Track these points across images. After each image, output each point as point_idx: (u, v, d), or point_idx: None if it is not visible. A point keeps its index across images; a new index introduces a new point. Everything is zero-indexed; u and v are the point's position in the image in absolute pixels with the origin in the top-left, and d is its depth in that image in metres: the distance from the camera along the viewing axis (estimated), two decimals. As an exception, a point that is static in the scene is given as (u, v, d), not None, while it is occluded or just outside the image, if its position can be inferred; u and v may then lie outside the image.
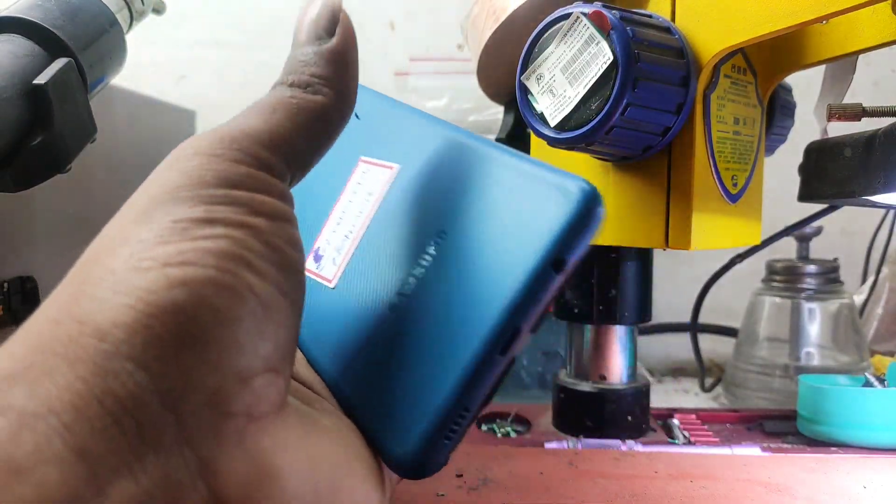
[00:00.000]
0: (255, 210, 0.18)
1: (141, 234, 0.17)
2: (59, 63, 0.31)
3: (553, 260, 0.17)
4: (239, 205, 0.18)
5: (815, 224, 0.56)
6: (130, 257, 0.16)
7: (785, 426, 0.50)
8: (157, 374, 0.15)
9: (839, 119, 0.34)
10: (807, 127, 0.44)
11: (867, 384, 0.48)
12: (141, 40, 0.40)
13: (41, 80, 0.30)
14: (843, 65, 0.39)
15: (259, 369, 0.16)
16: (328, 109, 0.20)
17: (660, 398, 0.63)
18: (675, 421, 0.50)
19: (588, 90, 0.31)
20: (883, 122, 0.35)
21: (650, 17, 0.33)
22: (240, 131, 0.19)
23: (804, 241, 0.61)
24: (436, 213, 0.20)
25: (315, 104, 0.20)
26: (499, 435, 0.49)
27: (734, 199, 0.36)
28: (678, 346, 0.71)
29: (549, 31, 0.33)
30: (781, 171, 0.46)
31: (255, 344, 0.17)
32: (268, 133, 0.19)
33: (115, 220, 0.18)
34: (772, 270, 0.63)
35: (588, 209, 0.17)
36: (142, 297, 0.15)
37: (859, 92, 0.39)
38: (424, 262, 0.19)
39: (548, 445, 0.45)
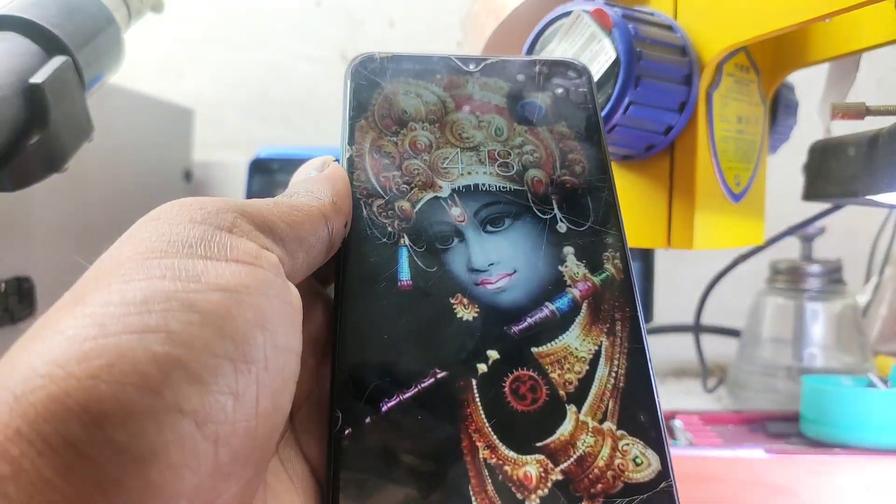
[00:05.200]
0: (206, 284, 0.15)
1: (60, 326, 0.14)
2: (56, 61, 0.31)
3: None
4: (184, 279, 0.15)
5: (819, 224, 0.55)
6: (38, 356, 0.14)
7: (788, 427, 0.50)
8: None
9: (843, 118, 0.34)
10: (810, 126, 0.44)
11: (870, 385, 0.48)
12: (138, 38, 0.40)
13: (38, 78, 0.30)
14: (846, 63, 0.39)
15: None
16: (309, 208, 0.20)
17: (662, 399, 0.62)
18: (678, 422, 0.50)
19: (590, 88, 0.31)
20: (887, 122, 0.34)
21: (652, 14, 0.33)
22: (206, 198, 0.18)
23: (807, 240, 0.61)
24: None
25: (295, 200, 0.20)
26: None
27: (737, 198, 0.36)
28: (680, 347, 0.71)
29: (551, 29, 0.33)
30: (784, 169, 0.46)
31: (181, 478, 0.14)
32: (239, 202, 0.18)
33: (78, 283, 0.16)
34: (775, 270, 0.62)
35: None
36: (28, 416, 0.13)
37: (862, 91, 0.38)
38: None
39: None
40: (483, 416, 0.19)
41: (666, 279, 0.66)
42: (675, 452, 0.44)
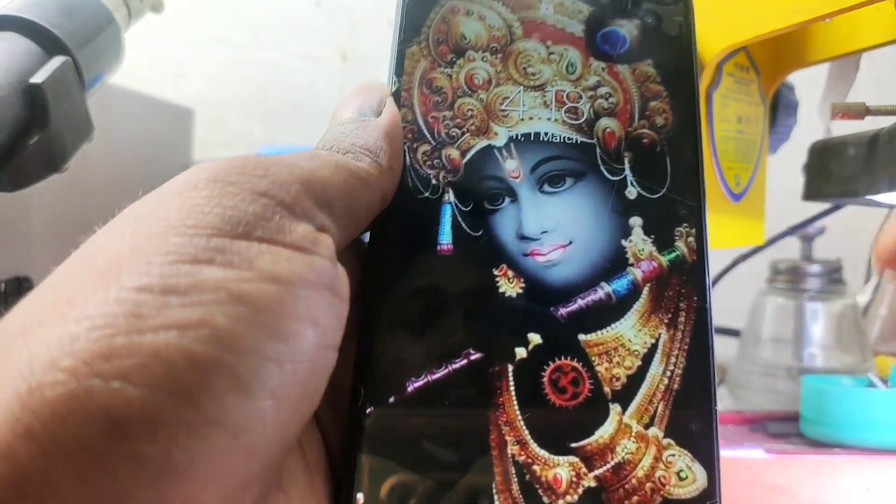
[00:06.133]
0: (260, 274, 0.14)
1: (88, 308, 0.13)
2: (57, 61, 0.31)
3: None
4: (235, 266, 0.14)
5: (819, 223, 0.55)
6: (60, 345, 0.12)
7: (788, 427, 0.49)
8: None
9: (843, 118, 0.34)
10: (810, 126, 0.44)
11: (870, 385, 0.48)
12: (139, 38, 0.40)
13: (38, 79, 0.30)
14: (846, 63, 0.39)
15: None
16: (369, 177, 0.18)
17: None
18: (677, 422, 0.50)
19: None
20: (887, 122, 0.34)
21: (652, 14, 0.33)
22: (269, 159, 0.16)
23: (807, 240, 0.61)
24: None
25: (356, 167, 0.18)
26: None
27: (737, 198, 0.36)
28: (680, 347, 0.70)
29: (551, 29, 0.32)
30: (784, 169, 0.46)
31: (206, 494, 0.12)
32: (303, 170, 0.16)
33: (112, 240, 0.15)
34: (775, 270, 0.62)
35: None
36: (42, 413, 0.11)
37: (862, 91, 0.38)
38: None
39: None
40: (516, 407, 0.17)
41: (666, 279, 0.66)
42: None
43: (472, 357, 0.18)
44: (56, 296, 0.13)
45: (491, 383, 0.17)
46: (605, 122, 0.19)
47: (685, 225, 0.19)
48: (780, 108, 0.41)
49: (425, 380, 0.17)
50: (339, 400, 0.17)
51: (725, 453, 0.44)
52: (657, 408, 0.17)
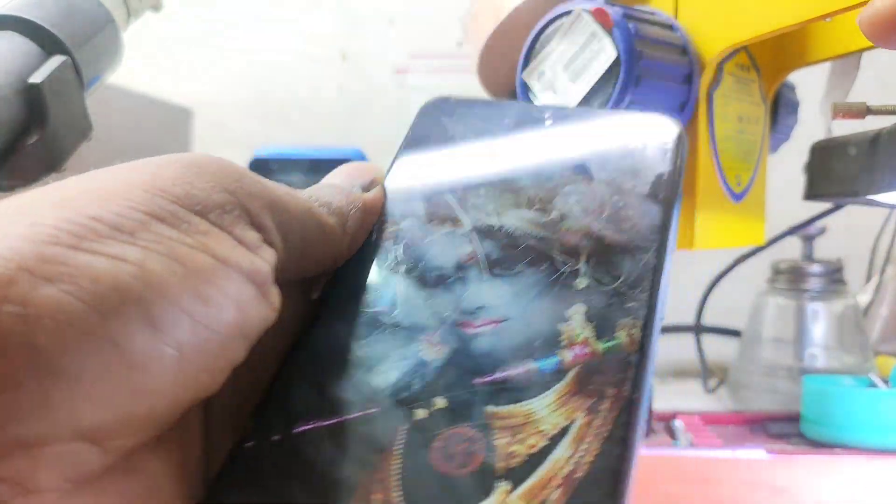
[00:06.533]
0: (202, 246, 0.15)
1: (39, 219, 0.14)
2: (56, 61, 0.31)
3: None
4: (183, 231, 0.15)
5: (820, 223, 0.55)
6: (4, 237, 0.13)
7: (789, 428, 0.49)
8: None
9: (844, 117, 0.34)
10: (811, 125, 0.43)
11: (871, 385, 0.48)
12: (138, 38, 0.40)
13: (37, 78, 0.30)
14: (847, 63, 0.38)
15: (63, 436, 0.13)
16: (332, 234, 0.19)
17: (662, 400, 0.62)
18: (678, 423, 0.50)
19: (590, 88, 0.30)
20: (888, 121, 0.34)
21: (653, 14, 0.33)
22: (251, 174, 0.18)
23: (808, 240, 0.61)
24: None
25: (325, 220, 0.19)
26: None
27: (738, 197, 0.36)
28: (681, 348, 0.70)
29: (551, 28, 0.32)
30: (785, 169, 0.46)
31: (83, 411, 0.13)
32: (277, 197, 0.18)
33: (83, 179, 0.16)
34: (776, 270, 0.62)
35: None
36: None
37: (863, 90, 0.38)
38: None
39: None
40: (396, 467, 0.16)
41: (666, 279, 0.66)
42: (676, 453, 0.44)
43: (369, 411, 0.17)
44: (11, 210, 0.15)
45: (378, 438, 0.17)
46: (570, 223, 0.21)
47: (632, 318, 0.19)
48: (780, 108, 0.41)
49: (314, 424, 0.17)
50: (237, 419, 0.18)
51: (726, 453, 0.44)
52: (552, 494, 0.15)
